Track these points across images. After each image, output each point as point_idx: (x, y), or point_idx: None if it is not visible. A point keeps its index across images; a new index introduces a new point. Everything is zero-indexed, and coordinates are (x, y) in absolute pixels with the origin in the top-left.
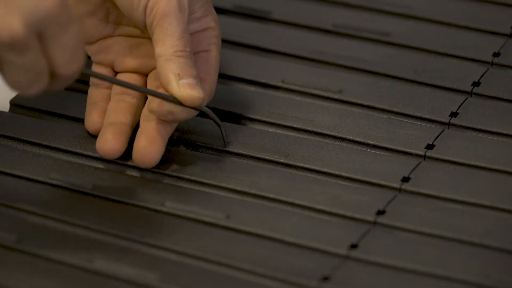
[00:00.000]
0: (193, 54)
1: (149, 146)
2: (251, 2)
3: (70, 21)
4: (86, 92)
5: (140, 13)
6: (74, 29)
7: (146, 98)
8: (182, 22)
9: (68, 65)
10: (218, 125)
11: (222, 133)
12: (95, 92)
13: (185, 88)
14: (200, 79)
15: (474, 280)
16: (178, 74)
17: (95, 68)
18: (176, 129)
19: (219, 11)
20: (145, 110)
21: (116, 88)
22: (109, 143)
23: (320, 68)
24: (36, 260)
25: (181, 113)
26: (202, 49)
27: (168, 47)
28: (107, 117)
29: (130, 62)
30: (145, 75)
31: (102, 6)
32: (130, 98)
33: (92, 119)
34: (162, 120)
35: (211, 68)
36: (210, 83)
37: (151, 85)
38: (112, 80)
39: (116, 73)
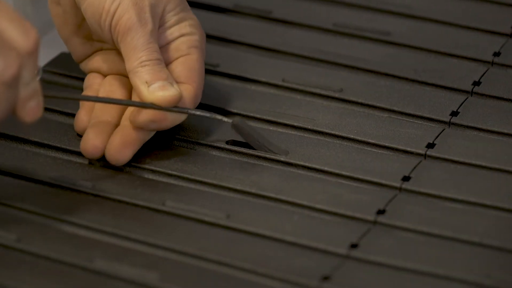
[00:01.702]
0: (173, 60)
1: (121, 147)
2: (251, 1)
3: None
4: None
5: (107, 32)
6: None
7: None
8: (144, 34)
9: (24, 36)
10: (210, 117)
11: (219, 118)
12: (86, 93)
13: (156, 91)
14: (181, 84)
15: (475, 279)
16: (146, 82)
17: (87, 76)
18: (177, 128)
19: (220, 10)
20: (128, 109)
21: (105, 86)
22: (90, 141)
23: (320, 67)
24: (36, 259)
25: (164, 121)
26: (181, 54)
27: (133, 60)
28: (93, 116)
29: (115, 68)
30: None
31: (82, 25)
32: (118, 96)
33: (79, 118)
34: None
35: (193, 72)
36: (194, 87)
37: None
38: (85, 98)
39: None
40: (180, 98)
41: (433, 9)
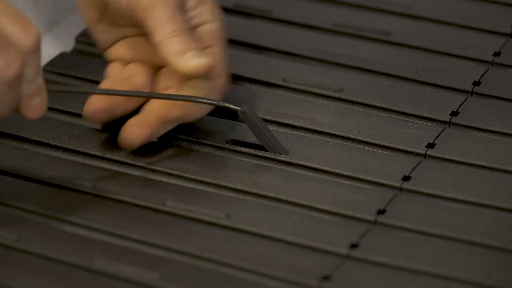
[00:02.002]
0: None
1: (137, 127)
2: (251, 1)
3: None
4: None
5: (130, 11)
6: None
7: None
8: (169, 6)
9: (24, 33)
10: (218, 104)
11: (227, 106)
12: (105, 82)
13: (190, 61)
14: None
15: (475, 279)
16: (178, 52)
17: (109, 66)
18: (177, 127)
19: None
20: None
21: (126, 71)
22: (93, 104)
23: (320, 66)
24: (36, 259)
25: (192, 114)
26: (205, 46)
27: (161, 33)
28: None
29: (138, 55)
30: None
31: (106, 11)
32: (137, 81)
33: (92, 102)
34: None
35: (219, 65)
36: (220, 78)
37: (161, 83)
38: (90, 92)
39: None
40: (210, 66)
41: (433, 9)
